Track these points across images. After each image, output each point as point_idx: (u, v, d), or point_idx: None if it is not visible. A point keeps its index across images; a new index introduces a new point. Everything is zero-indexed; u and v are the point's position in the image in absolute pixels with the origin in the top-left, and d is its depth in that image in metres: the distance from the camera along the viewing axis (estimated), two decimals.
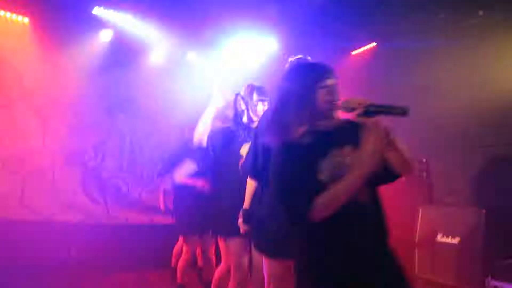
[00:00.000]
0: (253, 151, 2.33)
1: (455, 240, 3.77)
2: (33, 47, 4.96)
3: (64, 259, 5.07)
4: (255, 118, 2.64)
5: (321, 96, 1.47)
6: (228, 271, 3.03)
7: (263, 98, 2.63)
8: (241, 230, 2.39)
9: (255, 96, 2.65)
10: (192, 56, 5.74)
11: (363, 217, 1.44)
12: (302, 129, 1.47)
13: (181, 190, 4.08)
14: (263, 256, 2.28)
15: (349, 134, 1.46)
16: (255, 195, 2.44)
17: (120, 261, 5.26)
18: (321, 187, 1.37)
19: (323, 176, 1.40)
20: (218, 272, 3.08)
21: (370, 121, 1.39)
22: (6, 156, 4.96)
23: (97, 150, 5.48)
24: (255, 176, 2.33)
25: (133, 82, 5.57)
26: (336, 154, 1.44)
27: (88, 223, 5.24)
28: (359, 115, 1.41)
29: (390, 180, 1.53)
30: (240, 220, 2.38)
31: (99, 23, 5.07)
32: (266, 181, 2.26)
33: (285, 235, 2.15)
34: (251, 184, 2.36)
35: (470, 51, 4.01)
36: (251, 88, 2.68)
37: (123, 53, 5.35)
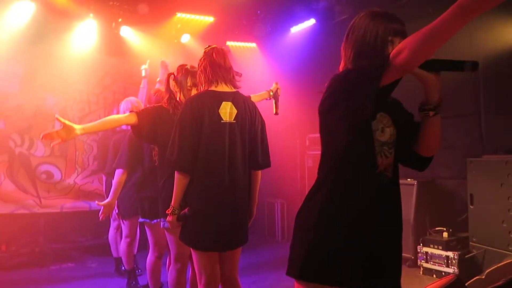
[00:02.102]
0: (180, 141, 2.19)
1: None
2: None
3: None
4: None
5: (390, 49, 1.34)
6: (159, 257, 3.02)
7: (197, 82, 2.53)
8: (169, 226, 2.30)
9: (189, 81, 2.57)
10: (126, 31, 5.39)
11: (389, 194, 1.40)
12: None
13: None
14: (192, 250, 2.26)
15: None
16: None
17: (58, 252, 5.02)
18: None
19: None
20: (150, 259, 3.02)
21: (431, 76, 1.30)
22: None
23: (24, 135, 5.04)
24: (185, 169, 2.20)
25: (61, 60, 5.12)
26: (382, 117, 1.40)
27: (19, 214, 4.88)
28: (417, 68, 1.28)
29: (416, 162, 1.49)
30: (172, 218, 2.24)
31: None
32: (195, 172, 2.20)
33: (217, 227, 2.19)
34: (181, 179, 2.20)
35: (414, 25, 4.18)
36: (186, 72, 2.59)
37: (49, 27, 4.87)
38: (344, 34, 1.45)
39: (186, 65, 2.64)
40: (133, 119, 2.48)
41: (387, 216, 1.38)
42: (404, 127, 1.44)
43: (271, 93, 3.03)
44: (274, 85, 3.07)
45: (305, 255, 1.35)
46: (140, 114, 2.51)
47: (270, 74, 5.85)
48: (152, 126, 2.51)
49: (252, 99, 2.55)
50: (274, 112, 3.06)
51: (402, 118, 1.47)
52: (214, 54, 2.31)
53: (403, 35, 1.36)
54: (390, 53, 1.23)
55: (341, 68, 1.46)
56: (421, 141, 1.42)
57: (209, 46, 2.39)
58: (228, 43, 6.01)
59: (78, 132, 2.24)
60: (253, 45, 6.25)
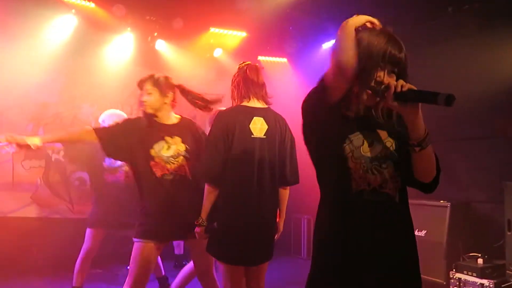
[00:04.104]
0: (210, 154, 2.25)
1: (422, 233, 3.92)
2: None
3: (27, 257, 4.88)
4: None
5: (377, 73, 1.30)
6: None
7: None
8: (197, 237, 2.33)
9: (148, 84, 2.80)
10: (161, 44, 5.55)
11: (389, 213, 1.36)
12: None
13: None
14: (222, 263, 2.27)
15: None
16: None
17: None
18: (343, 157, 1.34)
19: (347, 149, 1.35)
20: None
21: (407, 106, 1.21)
22: None
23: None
24: (214, 182, 2.24)
25: (99, 71, 5.33)
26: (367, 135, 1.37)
27: (52, 219, 5.05)
28: (391, 99, 1.21)
29: (417, 185, 1.42)
30: (200, 229, 2.29)
31: (61, 8, 4.78)
32: (224, 185, 2.23)
33: (243, 242, 2.20)
34: (210, 192, 2.25)
35: (446, 46, 4.10)
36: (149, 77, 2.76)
37: (88, 40, 5.10)
38: None
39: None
40: (93, 136, 2.49)
41: (385, 232, 1.34)
42: (405, 146, 1.34)
43: None
44: None
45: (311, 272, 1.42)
46: (98, 131, 2.53)
47: (300, 89, 5.85)
48: (115, 142, 2.50)
49: None
50: None
51: (404, 136, 1.34)
52: (247, 70, 2.35)
53: (396, 64, 1.30)
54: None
55: None
56: (414, 168, 1.36)
57: (243, 62, 2.43)
58: (260, 58, 6.07)
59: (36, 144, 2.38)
60: (284, 60, 6.28)
